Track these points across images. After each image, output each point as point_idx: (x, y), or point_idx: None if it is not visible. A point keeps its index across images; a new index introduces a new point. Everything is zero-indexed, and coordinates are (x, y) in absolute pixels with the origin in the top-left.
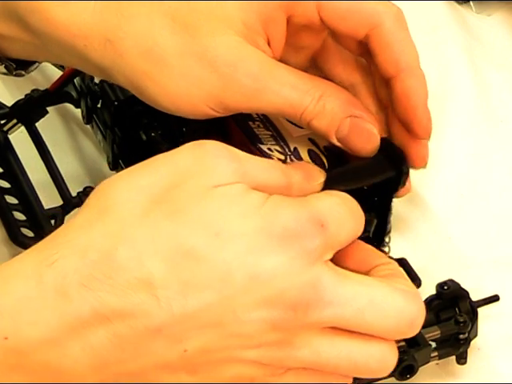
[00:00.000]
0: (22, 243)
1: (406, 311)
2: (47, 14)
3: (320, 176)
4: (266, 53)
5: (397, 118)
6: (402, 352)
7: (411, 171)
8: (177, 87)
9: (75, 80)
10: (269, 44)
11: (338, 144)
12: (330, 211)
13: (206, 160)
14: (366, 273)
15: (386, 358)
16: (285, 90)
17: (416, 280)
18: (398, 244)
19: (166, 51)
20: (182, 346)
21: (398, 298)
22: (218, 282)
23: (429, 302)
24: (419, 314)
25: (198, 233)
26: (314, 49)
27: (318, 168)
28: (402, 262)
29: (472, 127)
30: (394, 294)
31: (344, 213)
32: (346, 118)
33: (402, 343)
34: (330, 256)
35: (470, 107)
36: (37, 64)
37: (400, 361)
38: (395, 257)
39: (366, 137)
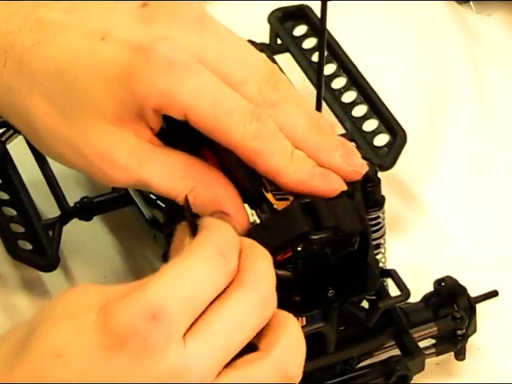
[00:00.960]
0: (20, 256)
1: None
2: None
3: None
4: (143, 138)
5: None
6: (395, 362)
7: (411, 170)
8: (45, 149)
9: None
10: (150, 127)
11: None
12: (164, 296)
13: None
14: None
15: None
16: (155, 179)
17: (404, 290)
18: (397, 244)
19: (41, 133)
20: None
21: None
22: None
23: (427, 299)
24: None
25: (43, 357)
26: None
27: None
28: (391, 274)
29: (472, 127)
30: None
31: (185, 290)
32: (216, 210)
33: (397, 352)
34: (184, 327)
35: (469, 107)
36: None
37: (394, 371)
38: (392, 256)
39: None
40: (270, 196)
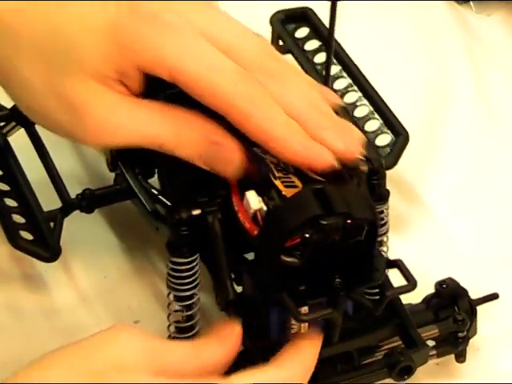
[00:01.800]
0: (21, 246)
1: None
2: None
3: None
4: (121, 93)
5: None
6: (399, 353)
7: (411, 169)
8: (38, 113)
9: None
10: (127, 86)
11: (205, 167)
12: None
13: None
14: None
15: None
16: (137, 127)
17: (411, 281)
18: (398, 243)
19: (27, 89)
20: None
21: None
22: None
23: (428, 301)
24: None
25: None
26: None
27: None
28: (397, 264)
29: (472, 127)
30: None
31: None
32: (206, 145)
33: (400, 344)
34: None
35: (469, 107)
36: None
37: (397, 362)
38: (393, 256)
39: (225, 162)
40: (278, 183)
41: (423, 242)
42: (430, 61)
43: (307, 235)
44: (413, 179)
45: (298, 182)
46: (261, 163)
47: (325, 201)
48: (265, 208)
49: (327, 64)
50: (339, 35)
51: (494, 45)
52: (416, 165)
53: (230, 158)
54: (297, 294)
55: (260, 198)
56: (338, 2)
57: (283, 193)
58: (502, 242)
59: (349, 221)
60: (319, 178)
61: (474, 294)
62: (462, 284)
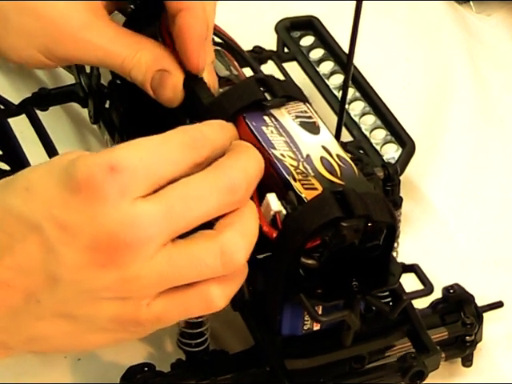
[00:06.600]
0: None
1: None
2: None
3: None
4: (96, 12)
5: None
6: (411, 358)
7: (412, 170)
8: (15, 39)
9: (82, 80)
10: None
11: (153, 95)
12: (127, 155)
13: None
14: None
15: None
16: (104, 43)
17: (427, 285)
18: (400, 245)
19: (6, 7)
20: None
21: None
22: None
23: (434, 305)
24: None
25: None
26: None
27: None
28: (414, 268)
29: (472, 127)
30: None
31: (149, 156)
32: (158, 71)
33: (412, 350)
34: (141, 188)
35: (469, 107)
36: None
37: (410, 367)
38: (406, 262)
39: (170, 89)
40: (298, 185)
41: (424, 243)
42: (429, 61)
43: (327, 237)
44: (414, 180)
45: (317, 185)
46: (281, 166)
47: (345, 203)
48: (284, 211)
49: (347, 69)
50: (339, 35)
51: (494, 45)
52: (417, 166)
53: (172, 88)
54: (313, 295)
55: (279, 202)
56: (334, 2)
57: (303, 195)
58: (502, 242)
59: (369, 224)
60: (339, 181)
61: (476, 295)
62: (465, 285)
